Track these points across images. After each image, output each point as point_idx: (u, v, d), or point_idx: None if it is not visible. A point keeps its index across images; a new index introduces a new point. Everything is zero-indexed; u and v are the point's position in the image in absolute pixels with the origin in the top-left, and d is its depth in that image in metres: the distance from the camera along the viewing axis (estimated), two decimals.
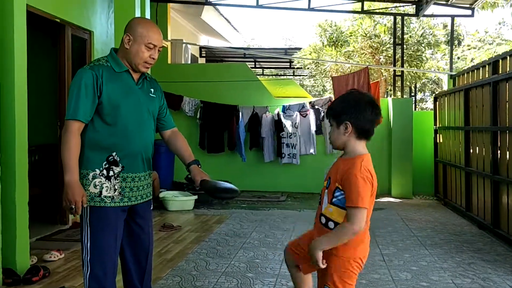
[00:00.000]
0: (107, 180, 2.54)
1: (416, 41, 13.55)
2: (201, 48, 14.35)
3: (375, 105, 2.31)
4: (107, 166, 2.55)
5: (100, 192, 2.53)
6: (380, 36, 13.10)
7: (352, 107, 2.27)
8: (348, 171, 2.23)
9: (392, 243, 5.47)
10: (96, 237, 2.53)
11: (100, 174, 2.54)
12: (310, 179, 9.22)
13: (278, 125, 9.08)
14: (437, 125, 8.84)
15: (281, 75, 20.09)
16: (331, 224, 2.30)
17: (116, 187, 2.56)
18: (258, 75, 16.11)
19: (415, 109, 13.43)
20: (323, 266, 2.25)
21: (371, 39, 13.17)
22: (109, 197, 2.54)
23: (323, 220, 2.34)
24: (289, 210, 7.41)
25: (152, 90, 2.75)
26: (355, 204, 2.18)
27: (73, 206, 2.42)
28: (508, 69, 5.66)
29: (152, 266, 2.91)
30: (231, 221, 6.49)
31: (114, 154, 2.55)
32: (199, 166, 2.81)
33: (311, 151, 9.11)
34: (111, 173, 2.55)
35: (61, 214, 5.93)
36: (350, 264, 2.28)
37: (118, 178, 2.57)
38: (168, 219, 6.59)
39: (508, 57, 5.74)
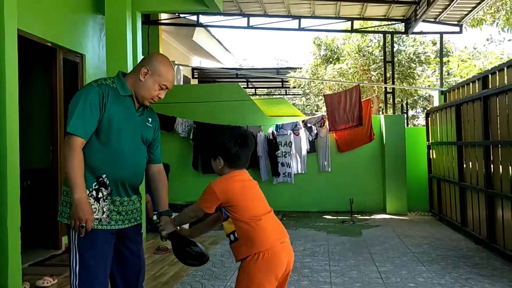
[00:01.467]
0: (96, 202, 2.50)
1: (408, 59, 13.70)
2: (193, 69, 14.43)
3: (242, 139, 2.62)
4: (97, 187, 2.51)
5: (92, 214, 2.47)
6: (373, 53, 13.23)
7: (220, 142, 2.64)
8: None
9: (388, 260, 5.43)
10: (85, 260, 2.47)
11: (90, 195, 2.49)
12: (304, 198, 9.21)
13: (271, 144, 9.10)
14: (430, 141, 8.88)
15: (273, 94, 20.19)
16: (231, 237, 2.59)
17: (104, 209, 2.52)
18: (251, 95, 16.17)
19: (407, 126, 13.52)
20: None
21: (364, 56, 13.30)
22: (97, 219, 2.49)
23: (229, 241, 2.66)
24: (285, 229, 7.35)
25: (150, 119, 2.74)
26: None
27: (84, 224, 2.38)
28: (497, 84, 5.71)
29: None
30: (227, 242, 6.41)
31: (104, 176, 2.52)
32: (169, 216, 2.81)
33: (302, 170, 9.14)
34: (100, 194, 2.51)
35: (54, 239, 5.86)
36: (253, 262, 2.45)
37: (106, 200, 2.53)
38: (162, 241, 6.51)
39: (497, 72, 5.80)
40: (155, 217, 7.21)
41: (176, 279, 4.72)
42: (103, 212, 2.52)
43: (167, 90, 2.65)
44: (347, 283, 4.51)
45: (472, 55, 14.53)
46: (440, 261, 5.33)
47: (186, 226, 2.83)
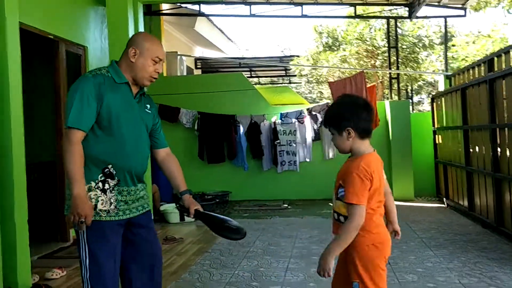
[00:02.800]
0: (102, 193, 2.48)
1: (411, 43, 13.58)
2: (196, 59, 14.38)
3: (368, 107, 2.41)
4: (103, 178, 2.49)
5: (96, 205, 2.45)
6: (375, 39, 13.13)
7: (349, 112, 2.36)
8: (348, 170, 2.32)
9: (396, 245, 5.42)
10: (94, 252, 2.46)
11: (96, 187, 2.47)
12: (310, 186, 9.20)
13: (275, 133, 9.09)
14: (436, 126, 8.83)
15: (277, 83, 20.11)
16: (341, 218, 2.35)
17: (111, 200, 2.50)
18: (254, 84, 16.11)
19: (412, 111, 13.44)
20: (329, 276, 2.25)
21: (366, 42, 13.20)
22: (105, 211, 2.47)
23: (336, 215, 2.43)
24: (291, 218, 7.37)
25: (148, 106, 2.73)
26: (350, 201, 2.26)
27: (83, 220, 2.36)
28: (503, 67, 5.66)
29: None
30: None
31: (110, 166, 2.50)
32: (191, 195, 2.78)
33: (307, 158, 9.14)
34: (106, 186, 2.49)
35: (62, 232, 5.89)
36: (370, 250, 2.32)
37: (113, 191, 2.51)
38: (170, 231, 6.54)
39: (503, 55, 5.74)
40: (162, 207, 7.25)
41: (184, 268, 4.73)
42: (111, 203, 2.50)
43: (161, 62, 2.63)
44: None
45: (477, 38, 14.37)
46: (448, 246, 5.32)
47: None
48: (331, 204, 2.40)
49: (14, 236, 3.98)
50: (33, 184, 6.17)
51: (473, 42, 14.25)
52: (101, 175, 2.49)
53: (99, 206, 2.46)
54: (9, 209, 3.98)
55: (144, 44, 2.57)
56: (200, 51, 15.53)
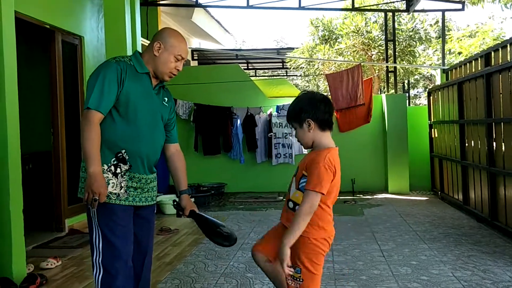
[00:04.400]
0: (114, 177, 2.52)
1: (407, 36, 13.56)
2: (192, 51, 14.33)
3: (327, 100, 2.56)
4: (115, 162, 2.53)
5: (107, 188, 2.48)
6: (371, 32, 13.09)
7: (308, 105, 2.50)
8: (314, 160, 2.42)
9: (391, 238, 5.45)
10: (108, 236, 2.49)
11: (108, 170, 2.51)
12: None
13: (270, 125, 9.08)
14: (432, 120, 8.84)
15: (274, 75, 20.08)
16: (296, 207, 2.46)
17: (122, 184, 2.54)
18: (251, 76, 16.07)
19: (408, 105, 13.46)
20: (288, 267, 2.33)
21: (362, 35, 13.17)
22: (115, 194, 2.51)
23: (291, 204, 2.53)
24: None
25: (166, 99, 2.78)
26: (312, 188, 2.35)
27: (97, 197, 2.39)
28: (500, 61, 5.66)
29: (151, 271, 2.87)
30: (229, 223, 6.46)
31: (123, 151, 2.54)
32: (190, 195, 2.87)
33: (303, 150, 9.14)
34: (118, 170, 2.53)
35: (57, 222, 5.88)
36: (317, 244, 2.44)
37: (124, 176, 2.55)
38: (165, 222, 6.55)
39: (500, 49, 5.75)
40: (158, 198, 7.25)
41: (179, 259, 4.74)
42: (121, 187, 2.54)
43: (183, 61, 2.68)
44: (350, 261, 4.54)
45: (475, 33, 14.36)
46: (442, 239, 5.35)
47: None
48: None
49: (9, 225, 3.97)
50: (29, 174, 6.17)
51: (470, 36, 14.25)
52: (114, 159, 2.53)
53: (110, 189, 2.50)
54: (4, 198, 3.97)
55: (170, 40, 2.63)
56: (197, 43, 15.47)
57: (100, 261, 2.49)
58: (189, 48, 13.63)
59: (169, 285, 3.97)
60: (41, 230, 5.83)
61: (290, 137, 9.08)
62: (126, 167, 2.55)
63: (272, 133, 9.04)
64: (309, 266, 2.43)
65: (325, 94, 9.39)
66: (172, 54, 2.61)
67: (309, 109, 2.47)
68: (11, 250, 3.97)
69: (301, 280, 2.44)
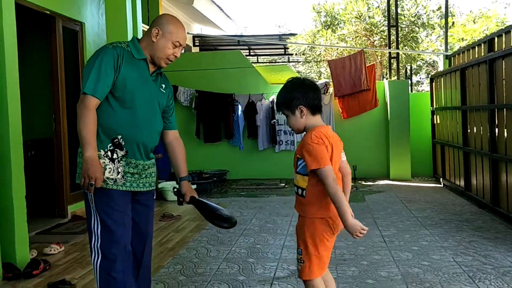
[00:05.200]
0: (110, 162, 2.52)
1: (410, 22, 13.45)
2: (194, 37, 14.25)
3: (315, 86, 2.62)
4: (112, 148, 2.53)
5: (103, 173, 2.48)
6: (374, 17, 13.00)
7: (299, 92, 2.54)
8: (304, 141, 2.48)
9: (392, 224, 5.47)
10: (105, 221, 2.50)
11: (105, 155, 2.51)
12: None
13: (273, 112, 9.06)
14: (434, 106, 8.82)
15: (276, 62, 19.99)
16: (299, 191, 2.53)
17: (119, 170, 2.54)
18: (253, 63, 16.01)
19: (411, 91, 13.40)
20: (366, 228, 2.34)
21: (365, 21, 13.08)
22: (112, 179, 2.51)
23: (296, 189, 2.59)
24: (288, 196, 7.40)
25: (163, 85, 2.77)
26: (316, 167, 2.38)
27: (93, 182, 2.39)
28: (504, 47, 5.62)
29: (152, 257, 2.88)
30: (231, 209, 6.48)
31: (119, 137, 2.54)
32: (190, 182, 2.88)
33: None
34: (115, 155, 2.53)
35: (59, 208, 5.91)
36: (318, 224, 2.47)
37: (121, 161, 2.56)
38: (167, 209, 6.57)
39: (503, 35, 5.70)
40: (160, 185, 7.27)
41: (181, 245, 4.77)
42: (118, 173, 2.54)
43: (181, 48, 2.68)
44: (351, 247, 4.56)
45: (479, 17, 14.24)
46: (443, 225, 5.36)
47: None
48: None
49: (12, 212, 4.00)
50: (31, 161, 6.19)
51: (474, 22, 14.14)
52: (110, 144, 2.53)
53: (107, 174, 2.50)
54: (7, 185, 3.99)
55: (168, 26, 2.62)
56: (198, 28, 15.38)
57: (98, 246, 2.50)
58: (190, 34, 13.56)
59: (171, 270, 4.00)
60: (44, 217, 5.86)
61: None
62: (122, 152, 2.55)
63: (275, 120, 9.03)
64: (310, 247, 2.46)
65: (328, 80, 9.36)
66: (170, 40, 2.61)
67: (300, 96, 2.51)
68: (14, 236, 4.01)
69: (302, 261, 2.48)
